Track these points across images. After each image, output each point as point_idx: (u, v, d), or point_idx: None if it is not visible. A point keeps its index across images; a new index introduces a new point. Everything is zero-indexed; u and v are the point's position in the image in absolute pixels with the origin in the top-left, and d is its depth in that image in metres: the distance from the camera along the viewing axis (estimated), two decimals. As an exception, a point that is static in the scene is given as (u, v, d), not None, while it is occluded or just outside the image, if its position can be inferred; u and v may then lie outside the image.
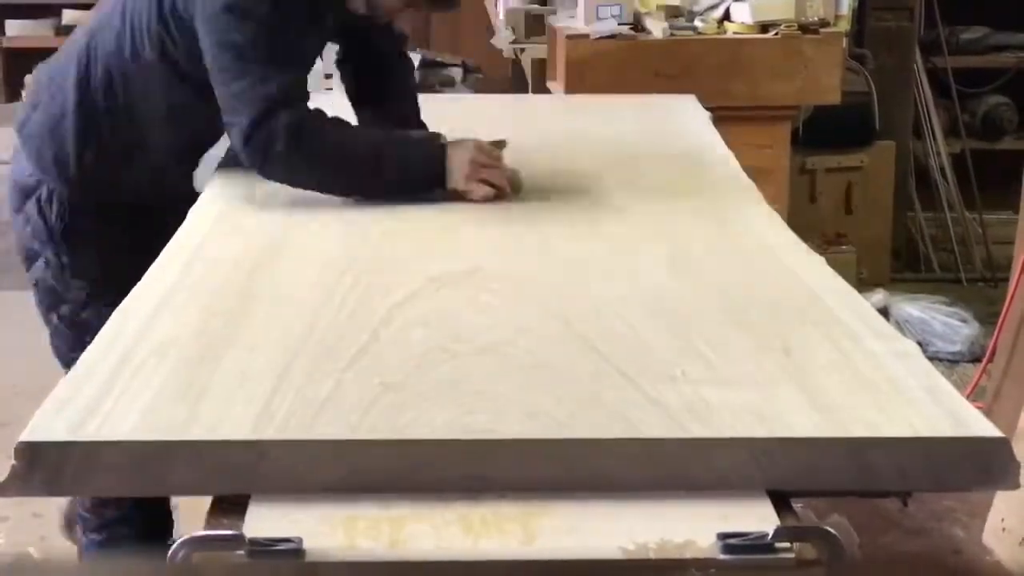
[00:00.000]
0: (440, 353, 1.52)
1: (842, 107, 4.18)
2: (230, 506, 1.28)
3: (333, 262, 1.88)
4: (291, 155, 2.09)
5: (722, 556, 1.21)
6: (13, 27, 7.78)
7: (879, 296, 4.37)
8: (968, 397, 2.09)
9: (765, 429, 1.33)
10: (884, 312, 4.24)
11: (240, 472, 1.29)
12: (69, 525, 2.58)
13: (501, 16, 5.14)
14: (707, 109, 2.96)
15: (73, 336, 2.28)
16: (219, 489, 1.29)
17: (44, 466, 1.27)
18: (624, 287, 1.78)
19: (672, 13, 4.05)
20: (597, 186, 2.35)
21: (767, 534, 1.22)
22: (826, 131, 4.68)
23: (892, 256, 5.12)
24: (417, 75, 6.20)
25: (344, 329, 1.60)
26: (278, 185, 2.22)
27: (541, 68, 4.38)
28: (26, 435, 1.28)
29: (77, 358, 1.48)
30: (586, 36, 3.91)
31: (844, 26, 4.23)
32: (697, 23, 4.02)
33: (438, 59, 6.58)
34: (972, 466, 1.31)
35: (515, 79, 5.47)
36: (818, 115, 4.49)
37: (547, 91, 4.16)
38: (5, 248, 5.17)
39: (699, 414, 1.35)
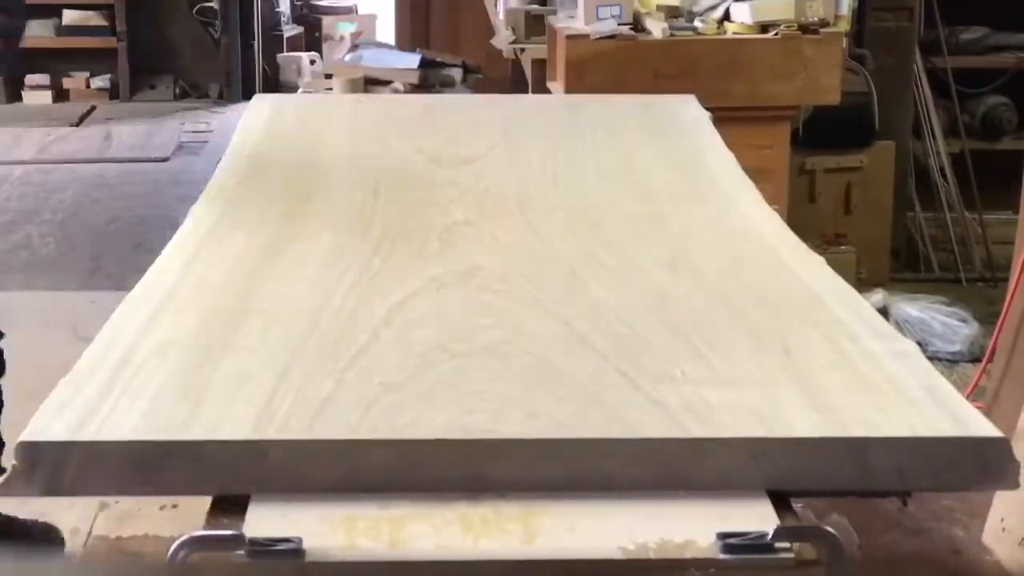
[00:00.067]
0: (440, 353, 1.52)
1: (842, 107, 4.17)
2: (230, 506, 1.28)
3: (333, 262, 1.88)
4: None
5: (722, 556, 1.21)
6: (13, 27, 7.73)
7: (879, 296, 4.37)
8: (968, 397, 2.08)
9: (765, 429, 1.33)
10: (884, 312, 4.23)
11: (240, 472, 1.29)
12: None
13: (501, 16, 5.14)
14: (707, 109, 2.96)
15: None
16: (219, 489, 1.29)
17: (44, 466, 1.27)
18: (624, 287, 1.78)
19: (672, 13, 4.05)
20: (597, 186, 2.35)
21: (767, 534, 1.22)
22: (826, 131, 4.68)
23: (892, 256, 5.11)
24: (417, 75, 6.23)
25: (344, 329, 1.60)
26: (278, 186, 2.22)
27: (541, 68, 4.38)
28: (26, 435, 1.28)
29: None
30: (586, 36, 3.91)
31: (844, 26, 4.23)
32: (697, 23, 4.02)
33: (438, 59, 6.58)
34: (972, 466, 1.31)
35: (515, 79, 5.47)
36: (818, 115, 4.48)
37: (547, 91, 4.16)
38: (5, 248, 5.19)
39: (699, 414, 1.35)
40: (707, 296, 1.75)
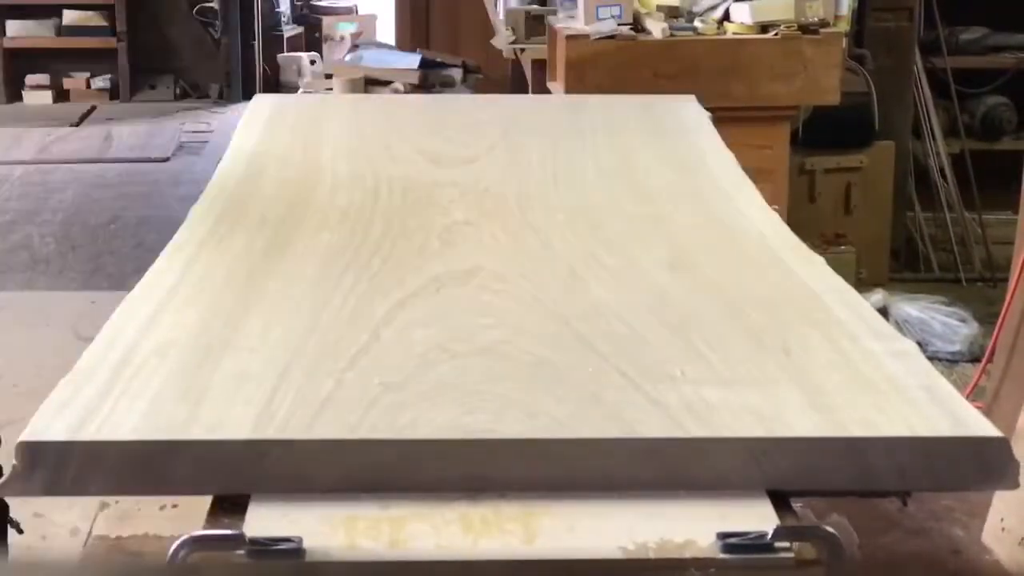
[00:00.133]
0: (440, 353, 1.52)
1: (842, 107, 4.18)
2: (230, 506, 1.28)
3: (333, 262, 1.88)
4: None
5: (722, 556, 1.21)
6: (13, 27, 7.79)
7: (878, 296, 4.37)
8: (967, 397, 2.09)
9: (765, 429, 1.33)
10: (883, 312, 4.23)
11: (240, 472, 1.29)
12: None
13: (501, 16, 5.14)
14: (707, 109, 2.96)
15: None
16: (219, 489, 1.29)
17: (45, 466, 1.27)
18: (624, 287, 1.78)
19: (672, 13, 4.06)
20: (597, 186, 2.35)
21: (767, 534, 1.22)
22: (826, 131, 4.68)
23: (891, 256, 5.12)
24: (417, 76, 6.23)
25: (344, 329, 1.60)
26: (278, 186, 2.22)
27: (541, 68, 4.39)
28: (26, 435, 1.28)
29: None
30: (586, 36, 3.91)
31: (844, 27, 4.23)
32: (697, 23, 4.02)
33: (438, 59, 6.58)
34: (971, 466, 1.31)
35: (515, 79, 5.47)
36: (818, 115, 4.49)
37: (547, 91, 4.17)
38: (5, 248, 5.19)
39: (699, 414, 1.35)
40: (707, 296, 1.75)
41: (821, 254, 1.94)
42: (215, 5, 8.01)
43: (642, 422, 1.34)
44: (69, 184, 5.87)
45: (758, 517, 1.26)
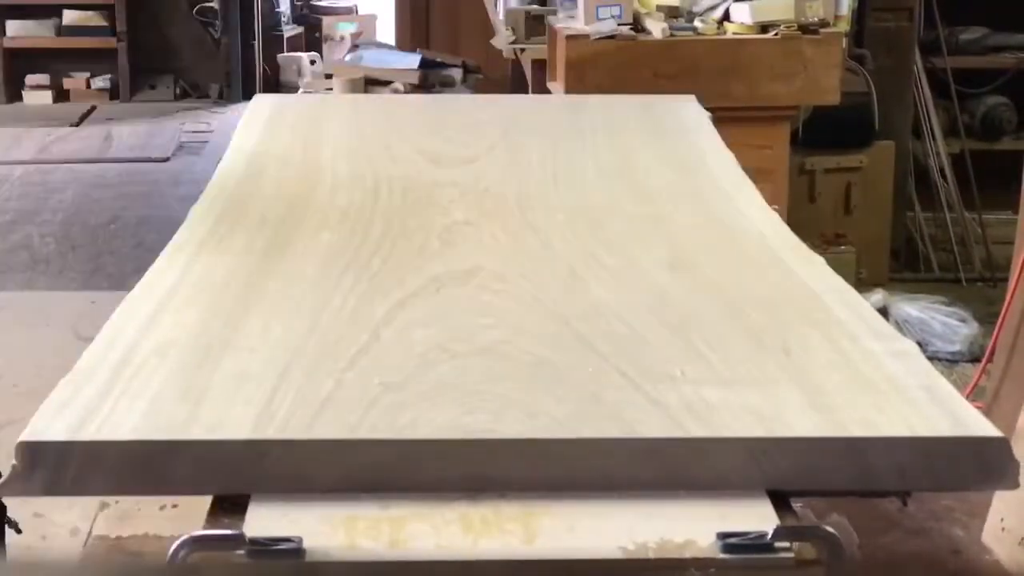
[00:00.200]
0: (440, 353, 1.52)
1: (842, 107, 4.18)
2: (230, 506, 1.28)
3: (333, 262, 1.88)
4: None
5: (722, 555, 1.21)
6: (13, 27, 7.79)
7: (878, 296, 4.37)
8: (967, 397, 2.09)
9: (765, 429, 1.33)
10: (883, 312, 4.23)
11: (240, 472, 1.29)
12: None
13: (501, 16, 5.14)
14: (707, 109, 2.96)
15: None
16: (219, 489, 1.29)
17: (45, 466, 1.27)
18: (624, 287, 1.78)
19: (672, 13, 4.06)
20: (597, 186, 2.35)
21: (767, 534, 1.22)
22: (826, 131, 4.68)
23: (891, 256, 5.12)
24: (417, 76, 6.23)
25: (344, 329, 1.60)
26: (278, 185, 2.22)
27: (541, 68, 4.39)
28: (26, 435, 1.28)
29: None
30: (586, 36, 3.91)
31: (844, 27, 4.23)
32: (697, 23, 4.02)
33: (438, 59, 6.58)
34: (971, 466, 1.31)
35: (515, 79, 5.47)
36: (818, 115, 4.49)
37: (547, 91, 4.17)
38: (5, 248, 5.19)
39: (699, 414, 1.35)
40: (707, 296, 1.75)
41: (821, 254, 1.94)
42: (215, 5, 8.01)
43: (642, 422, 1.34)
44: (69, 184, 5.87)
45: (758, 517, 1.26)
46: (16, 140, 6.72)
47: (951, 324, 4.33)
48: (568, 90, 3.85)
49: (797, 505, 1.33)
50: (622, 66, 3.88)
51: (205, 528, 1.24)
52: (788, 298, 1.74)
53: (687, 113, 2.96)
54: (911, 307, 4.40)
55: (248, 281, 1.79)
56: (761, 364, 1.50)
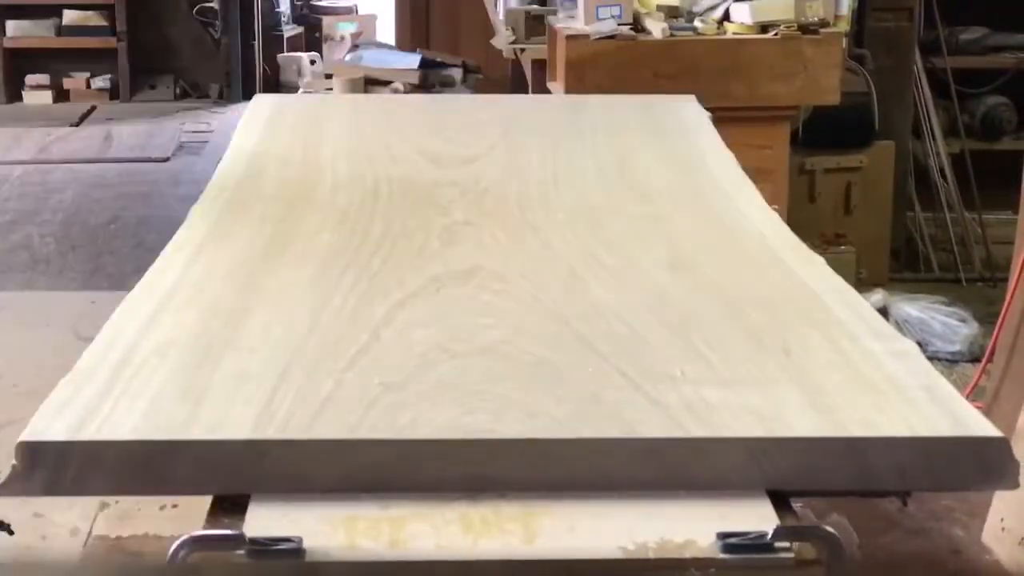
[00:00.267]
0: (440, 353, 1.52)
1: (842, 107, 4.18)
2: (230, 506, 1.28)
3: (333, 262, 1.88)
4: None
5: (722, 556, 1.21)
6: (13, 27, 7.78)
7: (878, 296, 4.37)
8: (967, 397, 2.09)
9: (765, 429, 1.33)
10: (883, 312, 4.24)
11: (240, 472, 1.29)
12: None
13: (501, 16, 5.15)
14: (707, 109, 2.96)
15: None
16: (219, 489, 1.29)
17: (45, 466, 1.27)
18: (624, 287, 1.78)
19: (672, 13, 4.06)
20: (597, 186, 2.35)
21: (767, 534, 1.22)
22: (826, 131, 4.68)
23: (891, 256, 5.12)
24: (417, 76, 6.23)
25: (344, 329, 1.60)
26: (278, 186, 2.22)
27: (541, 68, 4.39)
28: (26, 435, 1.28)
29: None
30: (586, 36, 3.91)
31: (844, 27, 4.24)
32: (697, 23, 4.02)
33: (438, 59, 6.58)
34: (971, 466, 1.31)
35: (515, 79, 5.47)
36: (818, 115, 4.49)
37: (547, 91, 4.17)
38: (5, 248, 5.19)
39: (699, 414, 1.35)
40: (707, 296, 1.75)
41: (821, 254, 1.94)
42: (215, 5, 8.01)
43: (642, 422, 1.34)
44: (69, 184, 5.87)
45: (758, 517, 1.26)
46: (16, 140, 6.72)
47: (951, 324, 4.33)
48: (568, 90, 3.85)
49: (797, 505, 1.33)
50: (622, 66, 3.88)
51: (205, 528, 1.24)
52: (788, 298, 1.74)
53: (687, 113, 2.96)
54: (911, 307, 4.40)
55: (248, 281, 1.79)
56: (761, 364, 1.50)
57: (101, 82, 7.93)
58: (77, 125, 7.21)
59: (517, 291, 1.77)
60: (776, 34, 3.95)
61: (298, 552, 1.19)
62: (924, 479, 1.33)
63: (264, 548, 1.19)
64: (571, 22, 4.12)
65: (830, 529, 1.23)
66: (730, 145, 2.63)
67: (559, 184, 2.35)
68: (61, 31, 7.86)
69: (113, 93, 7.96)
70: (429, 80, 6.25)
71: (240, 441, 1.30)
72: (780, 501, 1.30)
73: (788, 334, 1.59)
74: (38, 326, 4.22)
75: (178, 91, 8.12)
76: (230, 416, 1.34)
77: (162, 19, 8.07)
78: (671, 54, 3.91)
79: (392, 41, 8.11)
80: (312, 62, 7.94)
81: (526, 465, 1.30)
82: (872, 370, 1.48)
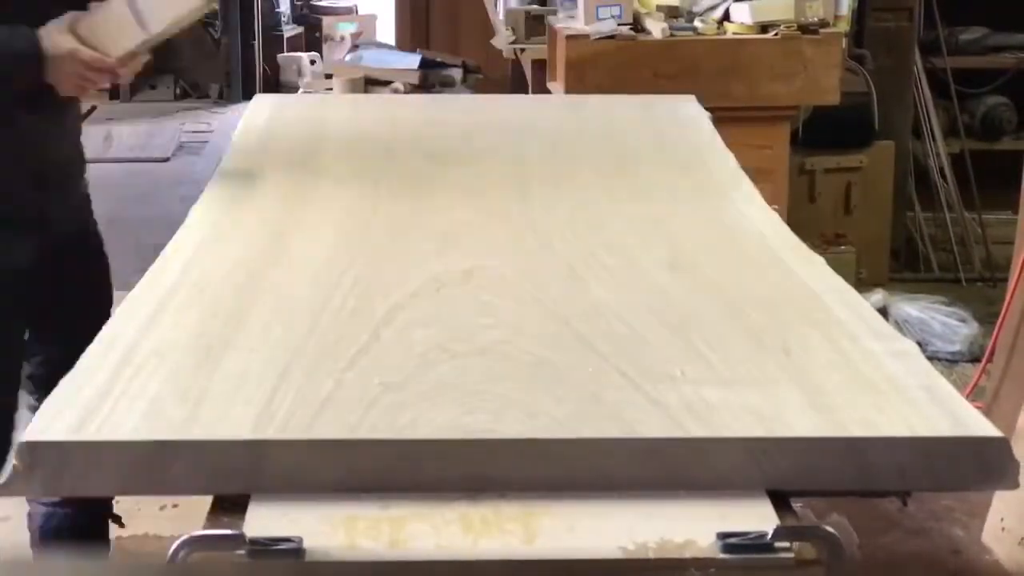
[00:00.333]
0: (440, 353, 1.52)
1: (841, 107, 4.18)
2: (230, 506, 1.28)
3: (333, 262, 1.88)
4: None
5: (722, 555, 1.21)
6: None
7: (878, 296, 4.37)
8: (967, 397, 2.09)
9: (765, 429, 1.33)
10: (883, 312, 4.24)
11: (240, 472, 1.29)
12: None
13: (501, 16, 5.15)
14: (707, 109, 2.96)
15: None
16: (219, 489, 1.29)
17: (45, 466, 1.27)
18: (624, 287, 1.78)
19: (672, 13, 4.06)
20: (597, 186, 2.35)
21: (767, 534, 1.22)
22: (825, 131, 4.68)
23: (891, 256, 5.12)
24: (417, 76, 6.23)
25: (344, 329, 1.60)
26: (278, 186, 2.22)
27: (541, 68, 4.39)
28: (26, 435, 1.28)
29: None
30: (586, 36, 3.91)
31: (843, 27, 4.24)
32: (697, 23, 4.02)
33: (438, 59, 6.58)
34: (971, 466, 1.31)
35: (515, 79, 5.47)
36: (817, 115, 4.49)
37: (547, 91, 4.17)
38: (5, 248, 5.15)
39: (699, 414, 1.35)
40: (707, 296, 1.75)
41: (821, 254, 1.94)
42: (215, 5, 8.01)
43: (642, 422, 1.34)
44: (69, 184, 5.85)
45: (758, 517, 1.26)
46: (16, 140, 6.71)
47: (951, 324, 4.33)
48: (568, 90, 3.85)
49: (797, 505, 1.33)
50: (622, 66, 3.88)
51: (205, 528, 1.24)
52: (788, 298, 1.74)
53: (687, 113, 2.96)
54: (911, 307, 4.40)
55: (248, 281, 1.79)
56: (761, 364, 1.50)
57: (101, 82, 7.92)
58: (77, 125, 7.20)
59: (517, 291, 1.77)
60: (776, 34, 3.95)
61: (298, 552, 1.19)
62: (924, 479, 1.33)
63: (264, 548, 1.19)
64: (571, 22, 4.12)
65: (830, 529, 1.23)
66: (730, 145, 2.63)
67: (559, 184, 2.35)
68: (61, 31, 7.85)
69: (113, 93, 7.96)
70: (429, 80, 6.25)
71: (240, 441, 1.30)
72: (780, 501, 1.30)
73: (788, 334, 1.59)
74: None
75: (178, 91, 8.12)
76: (230, 416, 1.34)
77: (162, 19, 8.06)
78: (671, 54, 3.91)
79: (392, 41, 8.11)
80: (312, 62, 7.95)
81: (526, 465, 1.30)
82: (872, 370, 1.48)
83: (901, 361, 1.51)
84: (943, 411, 1.37)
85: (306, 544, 1.20)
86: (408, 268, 1.84)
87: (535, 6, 4.86)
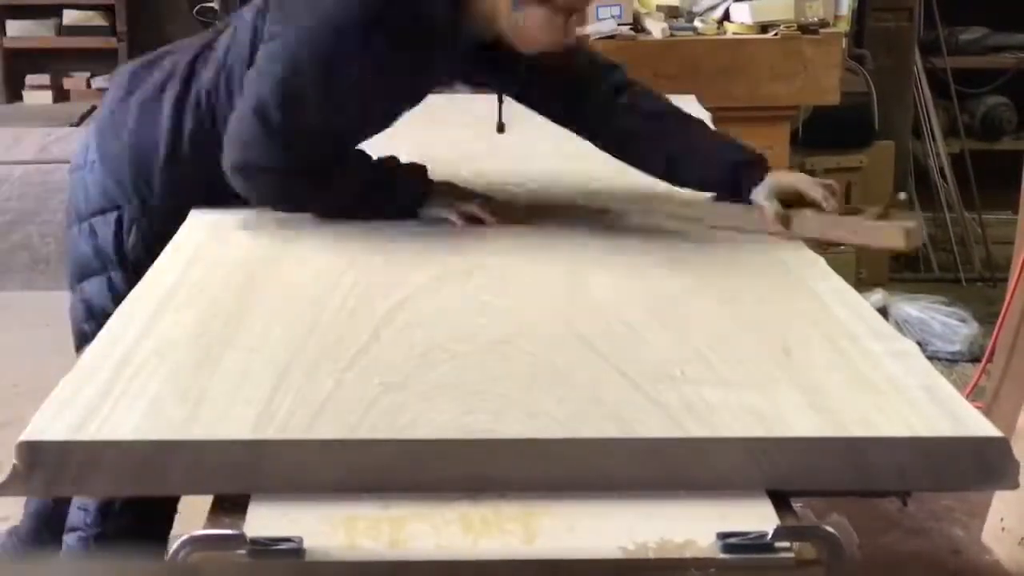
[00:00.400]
0: (440, 353, 1.52)
1: (842, 107, 4.18)
2: (231, 506, 1.28)
3: (333, 262, 1.88)
4: (270, 196, 2.08)
5: (722, 556, 1.21)
6: (13, 27, 7.77)
7: (878, 296, 4.37)
8: (967, 397, 2.09)
9: (765, 429, 1.33)
10: (883, 312, 4.24)
11: (240, 472, 1.29)
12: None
13: (501, 16, 5.13)
14: (707, 109, 2.96)
15: None
16: (219, 489, 1.29)
17: (45, 466, 1.27)
18: (624, 287, 1.78)
19: (672, 13, 4.06)
20: (597, 186, 2.35)
21: (767, 534, 1.22)
22: (826, 131, 4.68)
23: (891, 256, 5.12)
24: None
25: (344, 329, 1.60)
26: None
27: (541, 68, 4.37)
28: (27, 435, 1.28)
29: None
30: (586, 36, 3.90)
31: (844, 26, 4.24)
32: (697, 23, 4.02)
33: (438, 59, 6.56)
34: (971, 466, 1.31)
35: (515, 79, 5.46)
36: (818, 115, 4.49)
37: (547, 91, 4.16)
38: (5, 248, 5.18)
39: (699, 414, 1.35)
40: (707, 296, 1.75)
41: (821, 254, 1.94)
42: (215, 5, 8.02)
43: (642, 422, 1.34)
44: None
45: (758, 517, 1.26)
46: (16, 140, 6.72)
47: (951, 324, 4.33)
48: (568, 90, 3.84)
49: (797, 505, 1.33)
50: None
51: (205, 528, 1.24)
52: (788, 298, 1.74)
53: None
54: (911, 307, 4.40)
55: (248, 281, 1.79)
56: (761, 364, 1.50)
57: (101, 82, 7.92)
58: (77, 125, 7.20)
59: (517, 291, 1.77)
60: (776, 34, 3.95)
61: (298, 552, 1.19)
62: (924, 479, 1.33)
63: (264, 548, 1.19)
64: (571, 22, 4.12)
65: (830, 529, 1.23)
66: (730, 145, 2.63)
67: (559, 183, 2.35)
68: (61, 31, 7.86)
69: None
70: (429, 80, 6.24)
71: (240, 441, 1.30)
72: (780, 501, 1.30)
73: (788, 334, 1.59)
74: (38, 326, 4.22)
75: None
76: (230, 416, 1.34)
77: (162, 19, 8.07)
78: (671, 54, 3.91)
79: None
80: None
81: (526, 465, 1.30)
82: (872, 370, 1.48)
83: (901, 361, 1.51)
84: (943, 411, 1.37)
85: (306, 544, 1.20)
86: (408, 268, 1.84)
87: (535, 6, 4.85)
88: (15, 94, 7.84)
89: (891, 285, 4.83)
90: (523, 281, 1.81)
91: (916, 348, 1.55)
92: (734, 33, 4.00)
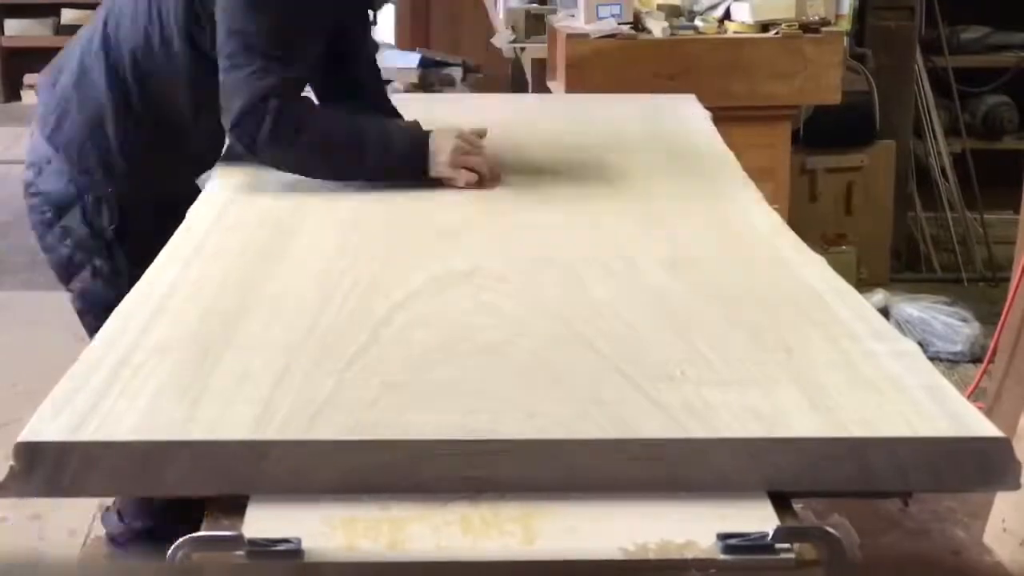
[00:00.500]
0: (440, 353, 1.52)
1: (842, 107, 4.17)
2: (230, 506, 1.28)
3: (333, 262, 1.87)
4: (276, 142, 2.17)
5: (722, 556, 1.21)
6: (13, 27, 7.78)
7: (879, 296, 4.37)
8: (969, 397, 2.08)
9: (765, 429, 1.33)
10: (884, 312, 4.23)
11: (240, 472, 1.28)
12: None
13: (501, 16, 5.14)
14: (707, 109, 2.96)
15: None
16: (219, 489, 1.29)
17: (43, 466, 1.27)
18: (624, 287, 1.78)
19: (672, 12, 4.05)
20: (597, 185, 2.35)
21: (767, 534, 1.22)
22: (826, 131, 4.68)
23: (892, 256, 5.11)
24: (417, 75, 6.22)
25: (344, 329, 1.60)
26: (279, 186, 2.22)
27: (541, 68, 4.38)
28: (25, 435, 1.28)
29: None
30: (586, 36, 3.90)
31: (844, 25, 4.23)
32: (697, 23, 4.01)
33: (438, 58, 6.57)
34: (973, 466, 1.31)
35: (515, 79, 5.47)
36: (818, 115, 4.49)
37: (547, 91, 4.16)
38: (5, 248, 5.18)
39: (699, 414, 1.35)
40: (707, 296, 1.74)
41: (821, 254, 1.94)
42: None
43: (642, 422, 1.34)
44: (69, 184, 5.85)
45: (758, 518, 1.26)
46: (16, 140, 6.71)
47: (952, 324, 4.33)
48: (568, 89, 3.84)
49: (797, 506, 1.33)
50: (622, 65, 3.87)
51: (204, 529, 1.24)
52: (788, 298, 1.74)
53: (687, 112, 2.96)
54: (912, 307, 4.40)
55: (247, 281, 1.79)
56: (761, 364, 1.50)
57: (101, 81, 7.92)
58: (77, 124, 7.20)
59: (517, 291, 1.77)
60: (777, 33, 3.95)
61: (297, 553, 1.19)
62: (925, 480, 1.33)
63: (263, 549, 1.19)
64: (571, 21, 4.12)
65: (831, 530, 1.23)
66: (730, 144, 2.63)
67: (559, 183, 2.35)
68: (60, 30, 7.86)
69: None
70: (429, 79, 6.24)
71: (239, 441, 1.29)
72: (781, 502, 1.30)
73: (788, 334, 1.59)
74: (38, 326, 4.22)
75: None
76: (229, 416, 1.34)
77: (162, 18, 8.06)
78: (672, 53, 3.91)
79: (392, 40, 8.11)
80: (313, 62, 7.92)
81: (526, 465, 1.30)
82: (873, 370, 1.48)
83: (902, 361, 1.50)
84: (944, 412, 1.36)
85: (305, 545, 1.20)
86: (408, 268, 1.84)
87: (535, 5, 4.85)
88: (14, 93, 7.84)
89: (892, 285, 4.83)
90: (523, 281, 1.81)
91: (917, 348, 1.55)
92: (735, 32, 3.99)
